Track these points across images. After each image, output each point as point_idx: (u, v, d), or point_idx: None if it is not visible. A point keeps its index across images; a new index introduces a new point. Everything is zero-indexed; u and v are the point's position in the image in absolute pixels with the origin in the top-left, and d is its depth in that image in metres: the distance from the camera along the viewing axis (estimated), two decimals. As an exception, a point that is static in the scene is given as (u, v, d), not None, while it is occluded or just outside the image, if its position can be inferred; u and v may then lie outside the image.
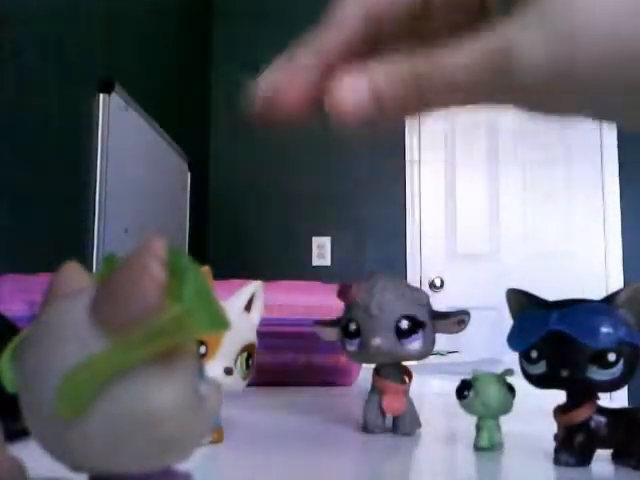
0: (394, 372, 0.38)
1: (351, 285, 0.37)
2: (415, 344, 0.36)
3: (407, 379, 0.38)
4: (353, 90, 0.25)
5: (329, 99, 0.25)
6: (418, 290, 0.37)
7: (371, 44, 0.26)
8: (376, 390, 0.38)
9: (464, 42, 0.24)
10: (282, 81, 0.26)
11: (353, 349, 0.37)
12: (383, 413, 0.38)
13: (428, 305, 0.37)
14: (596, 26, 0.23)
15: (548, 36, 0.23)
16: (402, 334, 0.35)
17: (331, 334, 0.39)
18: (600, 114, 0.25)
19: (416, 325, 0.36)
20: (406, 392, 0.38)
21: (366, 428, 0.38)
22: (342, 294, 0.37)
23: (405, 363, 0.39)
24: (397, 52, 0.26)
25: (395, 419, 0.38)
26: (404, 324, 0.35)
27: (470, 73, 0.24)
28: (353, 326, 0.36)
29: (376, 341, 0.35)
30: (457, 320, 0.36)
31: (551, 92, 0.24)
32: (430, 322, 0.36)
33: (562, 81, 0.24)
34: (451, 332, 0.37)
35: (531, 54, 0.23)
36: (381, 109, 0.25)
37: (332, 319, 0.39)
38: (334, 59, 0.26)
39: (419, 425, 0.38)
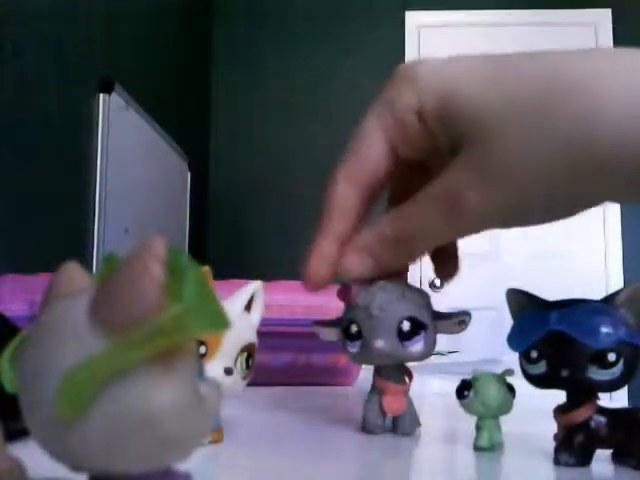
0: (395, 372, 0.38)
1: (351, 285, 0.37)
2: (417, 346, 0.35)
3: (407, 379, 0.38)
4: (357, 263, 0.32)
5: (342, 271, 0.33)
6: (419, 290, 0.37)
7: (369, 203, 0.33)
8: (376, 390, 0.38)
9: (421, 197, 0.29)
10: (314, 264, 0.33)
11: (354, 350, 0.36)
12: (383, 413, 0.38)
13: (429, 306, 0.37)
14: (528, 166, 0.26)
15: (484, 178, 0.27)
16: (404, 336, 0.35)
17: (331, 334, 0.39)
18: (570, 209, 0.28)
19: (418, 326, 0.35)
20: (406, 392, 0.38)
21: (366, 428, 0.38)
22: (342, 294, 0.37)
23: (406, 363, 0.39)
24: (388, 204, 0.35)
25: (395, 419, 0.38)
26: (406, 325, 0.35)
27: (426, 224, 0.29)
28: (354, 328, 0.36)
29: (378, 343, 0.35)
30: (458, 321, 0.36)
31: (506, 219, 0.29)
32: (431, 323, 0.36)
33: (510, 211, 0.28)
34: (452, 333, 0.37)
35: (473, 195, 0.27)
36: (381, 267, 0.32)
37: (332, 319, 0.39)
38: (345, 235, 0.33)
39: (419, 425, 0.38)
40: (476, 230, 0.29)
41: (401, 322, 0.35)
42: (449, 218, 0.28)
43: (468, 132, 0.27)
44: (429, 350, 0.36)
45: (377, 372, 0.38)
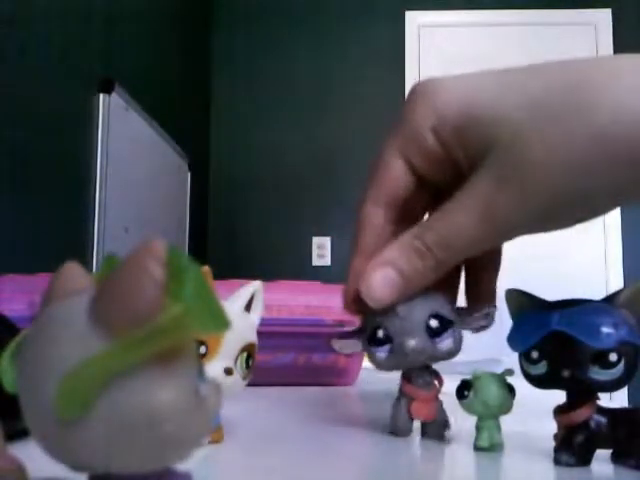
0: (424, 378, 0.37)
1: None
2: (447, 342, 0.34)
3: (437, 384, 0.37)
4: (381, 281, 0.31)
5: (366, 292, 0.32)
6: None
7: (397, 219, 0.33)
8: (405, 396, 0.37)
9: (452, 205, 0.29)
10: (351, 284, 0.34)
11: (383, 356, 0.35)
12: (412, 418, 0.37)
13: (453, 302, 0.36)
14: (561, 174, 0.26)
15: (515, 182, 0.27)
16: (433, 333, 0.34)
17: (353, 346, 0.37)
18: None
19: (445, 323, 0.34)
20: (436, 397, 0.37)
21: (395, 432, 0.37)
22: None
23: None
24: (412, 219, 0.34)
25: (423, 423, 0.37)
26: (434, 322, 0.34)
27: (459, 230, 0.29)
28: (381, 332, 0.35)
29: (411, 343, 0.34)
30: (484, 314, 0.35)
31: (541, 225, 0.28)
32: (457, 319, 0.35)
33: (544, 217, 0.28)
34: (479, 327, 0.36)
35: (505, 200, 0.27)
36: (409, 284, 0.31)
37: (351, 330, 0.37)
38: (374, 249, 0.32)
39: (448, 428, 0.37)
40: (510, 236, 0.29)
41: (429, 319, 0.34)
42: (482, 225, 0.28)
43: (492, 140, 0.27)
44: (457, 347, 0.35)
45: (405, 378, 0.37)
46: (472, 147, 0.28)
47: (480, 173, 0.28)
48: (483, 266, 0.37)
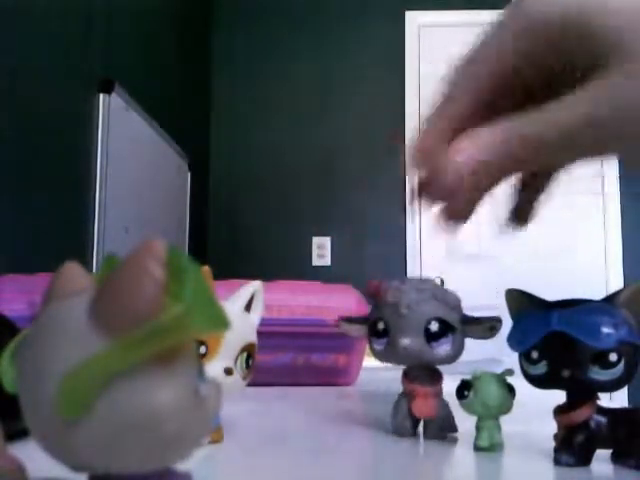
0: (424, 375, 0.37)
1: (381, 283, 0.36)
2: (444, 347, 0.35)
3: (437, 381, 0.37)
4: (475, 150, 0.28)
5: (450, 160, 0.28)
6: (451, 293, 0.36)
7: (484, 106, 0.30)
8: (406, 395, 0.37)
9: (558, 104, 0.26)
10: (421, 144, 0.30)
11: (380, 348, 0.36)
12: (413, 416, 0.37)
13: (459, 309, 0.36)
14: None
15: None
16: (431, 336, 0.34)
17: (356, 330, 0.38)
18: None
19: (446, 328, 0.35)
20: (438, 395, 0.37)
21: (395, 431, 0.37)
22: (372, 290, 0.36)
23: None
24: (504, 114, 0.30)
25: (425, 422, 0.37)
26: (434, 326, 0.34)
27: (565, 136, 0.26)
28: (381, 325, 0.36)
29: (404, 342, 0.34)
30: (489, 326, 0.35)
31: None
32: (460, 326, 0.35)
33: None
34: (482, 338, 0.36)
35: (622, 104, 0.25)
36: (488, 170, 0.28)
37: (359, 316, 0.38)
38: (454, 124, 0.29)
39: (454, 430, 0.37)
40: (607, 152, 0.27)
41: (429, 322, 0.34)
42: (585, 130, 0.26)
43: (614, 44, 0.25)
44: (456, 353, 0.35)
45: (405, 375, 0.37)
46: (589, 51, 0.26)
47: (596, 78, 0.26)
48: (536, 188, 0.34)
